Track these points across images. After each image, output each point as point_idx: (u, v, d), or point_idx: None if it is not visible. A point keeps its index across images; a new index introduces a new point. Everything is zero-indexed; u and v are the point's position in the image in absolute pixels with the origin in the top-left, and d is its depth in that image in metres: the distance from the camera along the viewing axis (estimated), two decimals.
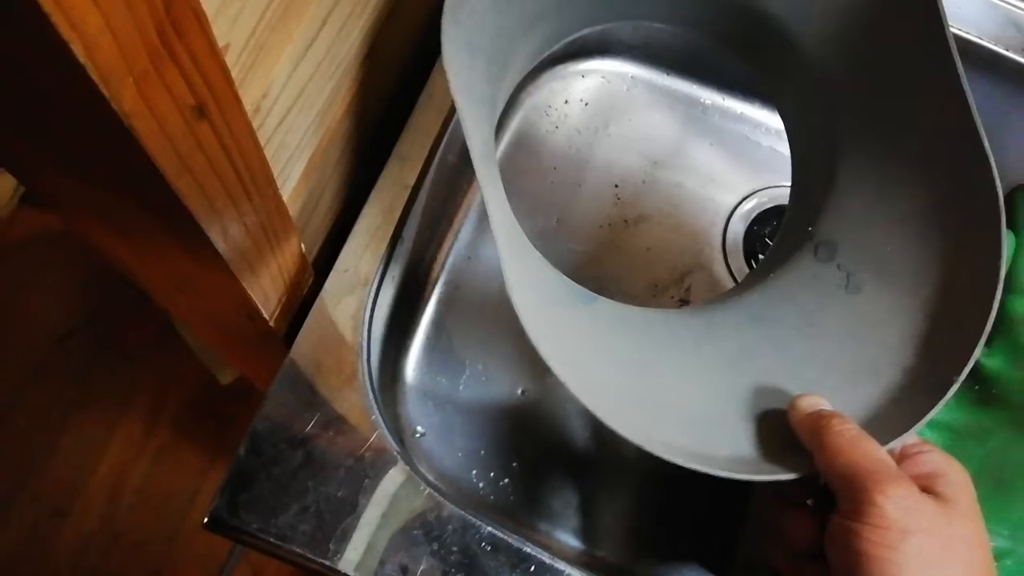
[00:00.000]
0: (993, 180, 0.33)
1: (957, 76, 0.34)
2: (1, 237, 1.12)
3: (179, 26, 0.22)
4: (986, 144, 0.33)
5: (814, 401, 0.32)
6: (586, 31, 0.45)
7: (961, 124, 0.34)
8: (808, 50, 0.40)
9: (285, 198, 0.36)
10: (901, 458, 0.31)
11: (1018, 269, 0.40)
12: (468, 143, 0.32)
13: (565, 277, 0.41)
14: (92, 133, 0.24)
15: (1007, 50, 0.54)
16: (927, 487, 0.29)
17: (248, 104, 0.29)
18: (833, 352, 0.37)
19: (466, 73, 0.34)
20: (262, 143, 0.31)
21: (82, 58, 0.19)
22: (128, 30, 0.20)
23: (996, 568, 0.30)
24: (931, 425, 0.37)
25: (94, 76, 0.19)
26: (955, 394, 0.33)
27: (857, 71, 0.39)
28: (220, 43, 0.25)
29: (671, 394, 0.36)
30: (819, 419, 0.31)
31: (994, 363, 0.38)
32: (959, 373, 0.31)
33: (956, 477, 0.29)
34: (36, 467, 1.03)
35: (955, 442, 0.36)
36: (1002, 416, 0.36)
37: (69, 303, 1.12)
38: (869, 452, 0.29)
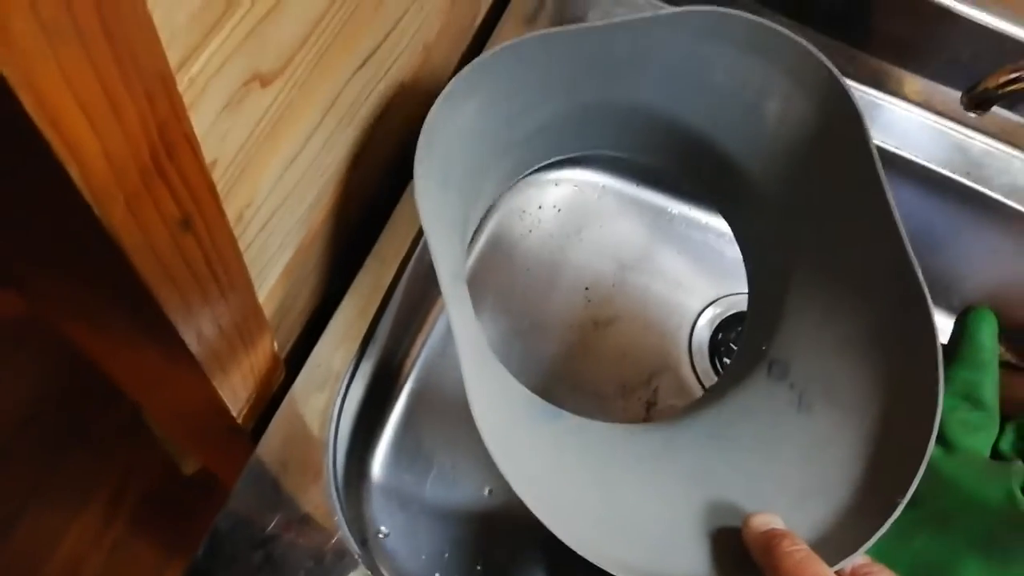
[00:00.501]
0: (928, 313, 0.35)
1: (890, 212, 0.36)
2: None
3: (171, 149, 0.23)
4: (920, 278, 0.36)
5: (767, 520, 0.33)
6: (554, 159, 0.49)
7: (895, 256, 0.36)
8: (757, 182, 0.44)
9: (261, 299, 0.37)
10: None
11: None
12: (436, 268, 0.34)
13: (531, 394, 0.42)
14: (75, 238, 0.25)
15: (954, 173, 0.57)
16: None
17: (231, 214, 0.30)
18: (786, 470, 0.38)
19: (438, 202, 0.36)
20: (242, 248, 0.33)
21: (77, 181, 0.20)
22: (123, 155, 0.21)
23: None
24: None
25: (87, 197, 0.21)
26: None
27: (802, 202, 0.42)
28: (208, 159, 0.26)
29: (631, 512, 0.37)
30: (771, 538, 0.32)
31: None
32: (903, 495, 0.33)
33: None
34: None
35: (882, 545, 0.37)
36: (919, 515, 0.37)
37: (36, 386, 1.10)
38: (819, 572, 0.30)
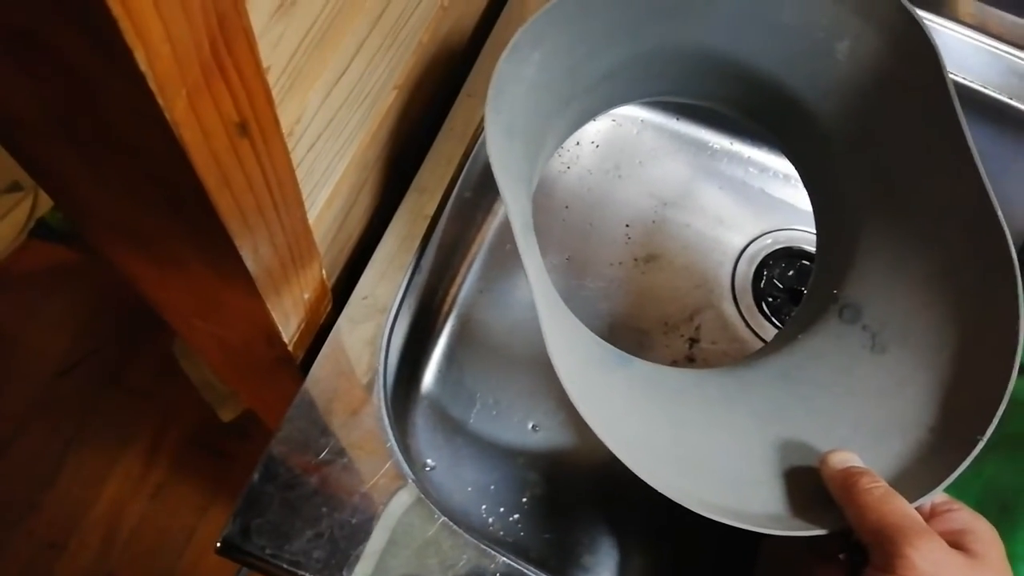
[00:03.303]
0: (1008, 246, 0.34)
1: (967, 147, 0.35)
2: (7, 269, 1.13)
3: (230, 43, 0.22)
4: (999, 212, 0.35)
5: (845, 457, 0.33)
6: (617, 107, 0.48)
7: (972, 191, 0.35)
8: (827, 123, 0.42)
9: (310, 222, 0.37)
10: (930, 515, 0.32)
11: None
12: (510, 218, 0.34)
13: (601, 340, 0.42)
14: (140, 143, 0.24)
15: (1011, 99, 0.55)
16: (956, 543, 0.29)
17: (284, 126, 0.30)
18: (861, 410, 0.38)
19: (505, 155, 0.36)
20: (294, 166, 0.32)
21: (143, 66, 0.19)
22: (186, 42, 0.20)
23: None
24: None
25: (152, 85, 0.20)
26: None
27: (874, 141, 0.41)
28: (264, 64, 0.26)
29: (705, 453, 0.37)
30: (849, 476, 0.32)
31: None
32: (983, 433, 0.32)
33: (985, 534, 0.30)
34: (34, 501, 1.02)
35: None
36: (990, 441, 0.36)
37: (72, 336, 1.12)
38: (898, 508, 0.30)
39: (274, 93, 0.28)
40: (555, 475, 0.53)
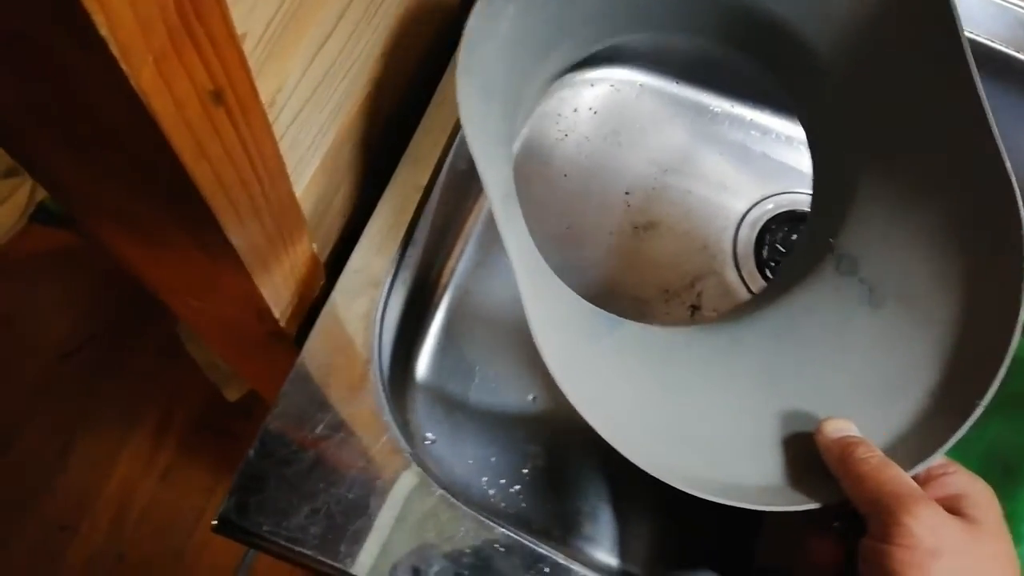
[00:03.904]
0: (1015, 199, 0.32)
1: (975, 92, 0.33)
2: (8, 254, 1.13)
3: (199, 6, 0.22)
4: (1007, 163, 0.33)
5: (841, 426, 0.33)
6: (600, 47, 0.45)
7: (980, 140, 0.33)
8: (826, 60, 0.40)
9: (298, 195, 0.36)
10: (926, 480, 0.31)
11: None
12: (486, 188, 0.33)
13: (589, 304, 0.41)
14: (115, 120, 0.24)
15: (1018, 52, 0.54)
16: (953, 508, 0.29)
17: (264, 97, 0.29)
18: (858, 370, 0.37)
19: (481, 117, 0.34)
20: (277, 138, 0.31)
21: (103, 30, 0.19)
22: (148, 5, 0.20)
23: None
24: None
25: (115, 51, 0.19)
26: None
27: (876, 82, 0.38)
28: (238, 31, 0.25)
29: (696, 421, 0.37)
30: (846, 446, 0.31)
31: None
32: (982, 397, 0.31)
33: (981, 497, 0.30)
34: (44, 484, 1.03)
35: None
36: (992, 402, 0.36)
37: (75, 320, 1.12)
38: (895, 477, 0.29)
39: (251, 61, 0.27)
40: (556, 446, 0.52)
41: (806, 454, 0.34)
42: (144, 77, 0.21)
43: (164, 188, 0.27)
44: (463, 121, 0.33)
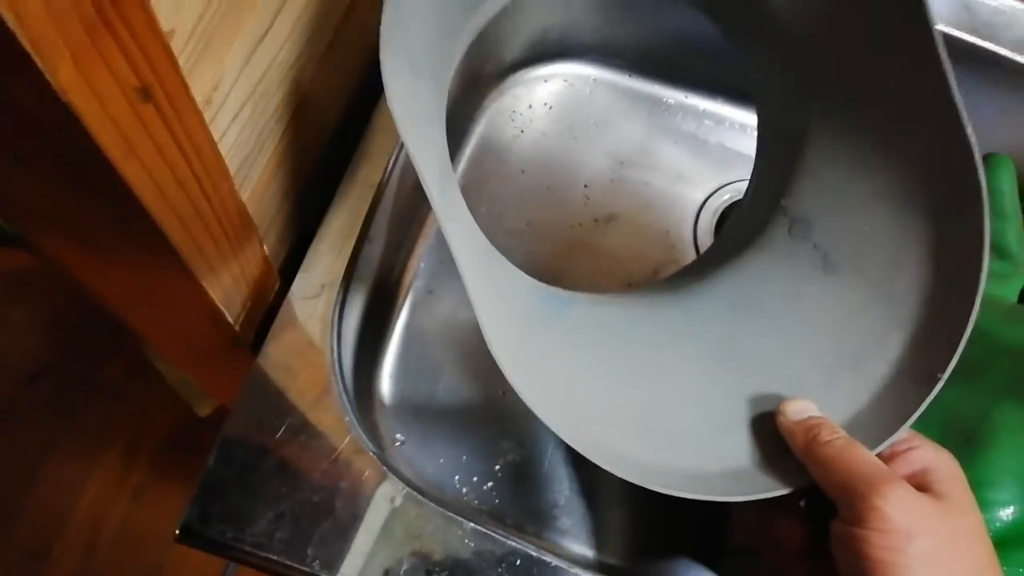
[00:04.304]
0: (975, 165, 0.31)
1: (934, 47, 0.31)
2: None
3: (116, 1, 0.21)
4: (967, 124, 0.31)
5: (802, 407, 0.32)
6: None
7: (938, 99, 0.31)
8: (779, 12, 0.37)
9: (245, 198, 0.36)
10: (890, 456, 0.31)
11: None
12: (420, 176, 0.30)
13: (538, 283, 0.40)
14: (37, 116, 0.23)
15: (960, 31, 0.55)
16: (921, 484, 0.29)
17: (198, 95, 0.28)
18: (816, 342, 0.36)
19: (411, 97, 0.32)
20: (216, 138, 0.31)
21: (11, 24, 0.18)
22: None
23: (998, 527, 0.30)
24: None
25: (27, 46, 0.19)
26: None
27: (830, 33, 0.36)
28: (165, 28, 0.25)
29: (657, 408, 0.36)
30: (809, 429, 0.31)
31: None
32: (944, 370, 0.31)
33: (947, 471, 0.30)
34: (12, 510, 1.00)
35: None
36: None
37: (40, 341, 1.10)
38: (861, 458, 0.29)
39: (182, 58, 0.27)
40: (528, 441, 0.52)
41: (769, 435, 0.33)
42: (63, 73, 0.21)
43: (97, 190, 0.27)
44: (392, 107, 0.30)
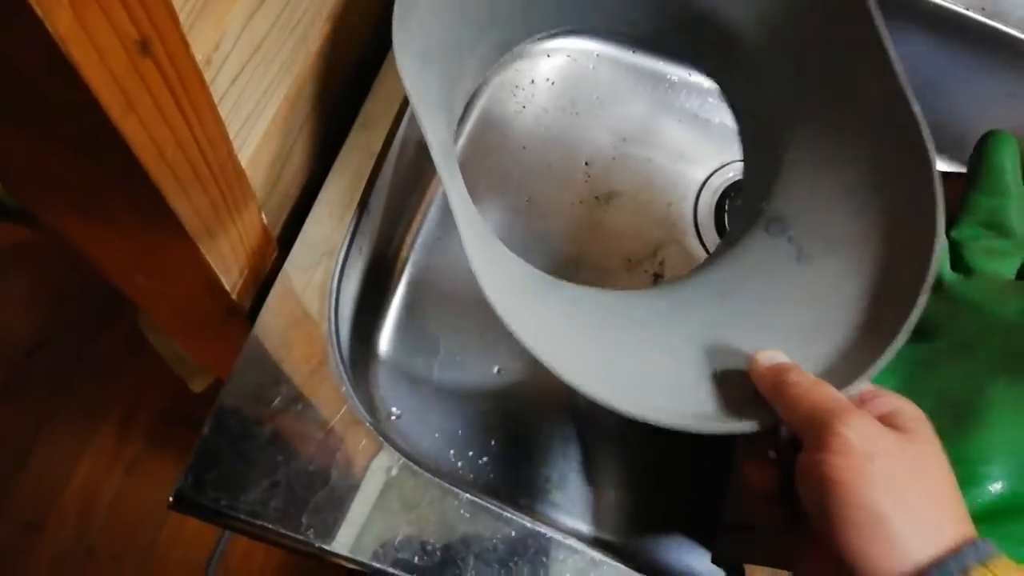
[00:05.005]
0: (927, 156, 0.34)
1: (889, 60, 0.35)
2: None
3: None
4: (921, 120, 0.34)
5: (772, 355, 0.33)
6: (542, 34, 0.47)
7: (894, 100, 0.35)
8: (750, 32, 0.42)
9: (244, 163, 0.35)
10: (859, 402, 0.32)
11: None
12: (428, 143, 0.32)
13: (533, 269, 0.41)
14: (35, 70, 0.23)
15: (968, 9, 0.54)
16: (886, 423, 0.30)
17: (198, 53, 0.28)
18: (789, 318, 0.38)
19: (420, 80, 0.35)
20: (216, 99, 0.30)
21: None
22: None
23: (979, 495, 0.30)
24: (882, 371, 0.37)
25: None
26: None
27: (795, 47, 0.40)
28: None
29: (639, 365, 0.37)
30: (778, 372, 0.32)
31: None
32: (903, 323, 0.33)
33: (912, 413, 0.30)
34: (6, 484, 1.00)
35: (908, 382, 0.37)
36: (942, 346, 0.36)
37: (36, 316, 1.09)
38: (827, 393, 0.30)
39: (183, 14, 0.26)
40: (522, 416, 0.52)
41: (741, 387, 0.35)
42: (62, 22, 0.20)
43: (97, 151, 0.26)
44: (401, 74, 0.33)
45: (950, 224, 0.40)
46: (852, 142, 0.38)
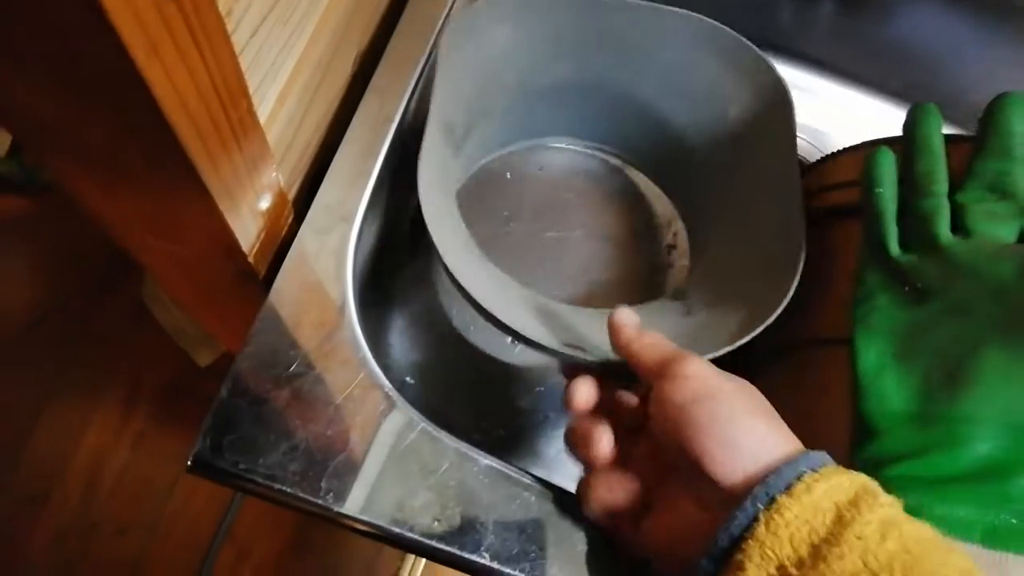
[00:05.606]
0: (799, 250, 0.42)
1: (797, 190, 0.44)
2: None
3: None
4: (802, 228, 0.43)
5: (626, 314, 0.37)
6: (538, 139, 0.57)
7: (791, 215, 0.44)
8: (706, 164, 0.52)
9: (262, 121, 0.34)
10: None
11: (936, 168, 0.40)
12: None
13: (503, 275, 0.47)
14: (60, 20, 0.22)
15: None
16: None
17: (221, 4, 0.27)
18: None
19: (445, 100, 0.43)
20: (236, 51, 0.30)
21: None
22: None
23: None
24: (876, 332, 0.37)
25: None
26: (891, 299, 0.38)
27: (734, 173, 0.50)
28: None
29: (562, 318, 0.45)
30: (633, 329, 0.37)
31: (909, 259, 0.38)
32: (764, 322, 0.40)
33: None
34: (10, 457, 1.00)
35: (903, 343, 0.36)
36: (937, 308, 0.36)
37: (38, 289, 1.09)
38: (671, 344, 0.35)
39: None
40: (538, 388, 0.52)
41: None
42: None
43: (120, 99, 0.26)
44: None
45: (954, 188, 0.40)
46: (752, 240, 0.47)
